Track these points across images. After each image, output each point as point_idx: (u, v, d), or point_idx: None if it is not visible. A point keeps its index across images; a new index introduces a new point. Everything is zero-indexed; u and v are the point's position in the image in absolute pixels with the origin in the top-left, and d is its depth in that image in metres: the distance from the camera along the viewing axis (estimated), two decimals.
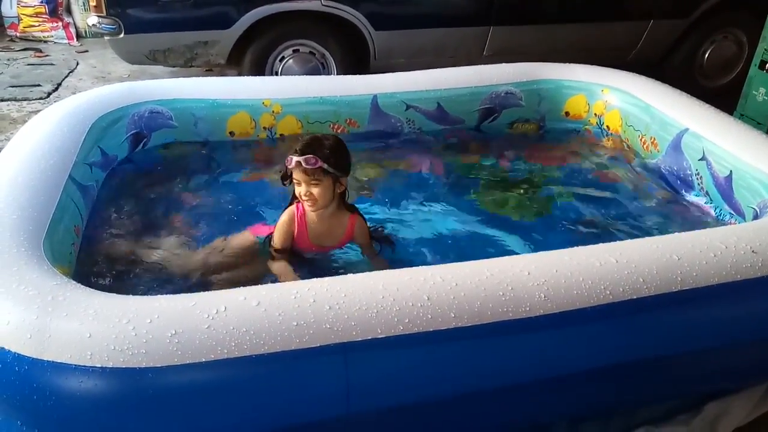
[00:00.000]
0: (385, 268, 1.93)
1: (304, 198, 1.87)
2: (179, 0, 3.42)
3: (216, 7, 3.52)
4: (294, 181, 1.88)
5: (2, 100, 4.08)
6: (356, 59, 3.87)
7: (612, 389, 1.59)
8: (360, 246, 2.05)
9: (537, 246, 2.16)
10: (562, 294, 1.46)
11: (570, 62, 3.27)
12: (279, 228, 1.98)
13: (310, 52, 3.79)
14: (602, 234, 2.30)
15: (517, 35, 4.02)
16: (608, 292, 1.48)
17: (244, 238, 2.07)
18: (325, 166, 1.83)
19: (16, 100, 4.10)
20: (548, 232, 2.35)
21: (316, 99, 2.81)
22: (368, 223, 2.08)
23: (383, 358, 1.36)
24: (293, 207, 1.98)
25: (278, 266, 1.93)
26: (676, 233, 1.79)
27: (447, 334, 1.37)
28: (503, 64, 3.18)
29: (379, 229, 2.15)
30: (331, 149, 1.86)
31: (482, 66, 3.21)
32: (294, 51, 3.77)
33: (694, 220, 2.41)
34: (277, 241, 1.98)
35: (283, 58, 3.77)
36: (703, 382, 1.77)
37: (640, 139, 2.86)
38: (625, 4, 4.18)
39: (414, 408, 1.40)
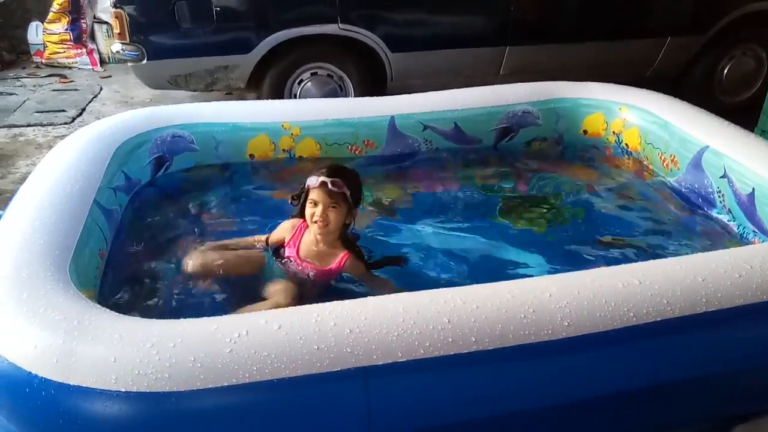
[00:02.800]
0: (390, 288, 1.93)
1: (316, 220, 1.89)
2: (200, 26, 3.50)
3: (236, 33, 3.59)
4: (309, 201, 1.91)
5: (28, 126, 4.18)
6: (373, 81, 3.91)
7: (637, 413, 1.56)
8: (356, 278, 2.03)
9: (557, 266, 2.14)
10: (585, 316, 1.45)
11: (587, 80, 3.28)
12: (278, 228, 2.10)
13: (328, 75, 3.85)
14: (623, 254, 2.27)
15: (533, 54, 4.03)
16: (632, 315, 1.46)
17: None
18: (348, 192, 1.87)
19: (41, 125, 4.20)
20: (568, 251, 2.33)
21: (334, 121, 2.84)
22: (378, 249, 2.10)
23: (404, 382, 1.35)
24: (297, 220, 2.05)
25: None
26: (700, 253, 1.78)
27: (468, 358, 1.36)
28: (519, 83, 3.20)
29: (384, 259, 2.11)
30: (353, 179, 1.95)
31: (498, 86, 3.23)
32: (312, 74, 3.82)
33: (717, 239, 2.38)
34: (272, 236, 2.10)
35: (301, 80, 3.83)
36: (730, 404, 1.72)
37: (660, 157, 2.84)
38: (641, 21, 4.18)
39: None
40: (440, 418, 1.39)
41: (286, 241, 2.05)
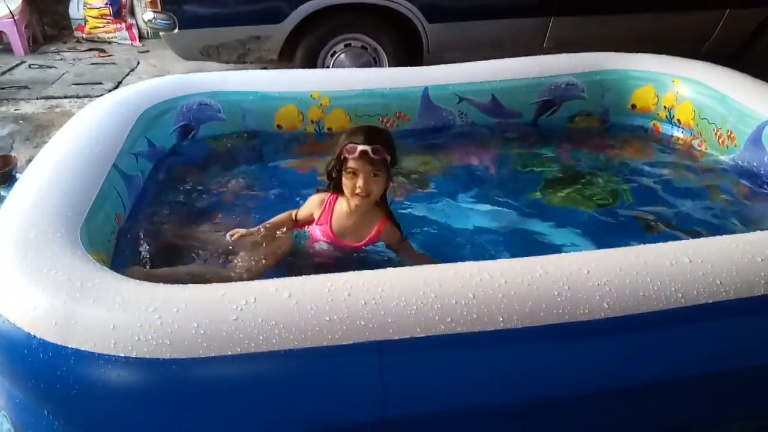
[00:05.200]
0: (428, 262, 1.80)
1: (357, 191, 1.74)
2: None
3: (268, 2, 3.50)
4: (347, 171, 1.74)
5: (65, 97, 4.21)
6: (409, 53, 3.77)
7: (682, 404, 1.41)
8: (393, 248, 1.90)
9: (599, 245, 1.98)
10: (627, 295, 1.31)
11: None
12: (307, 203, 1.97)
13: (362, 47, 3.72)
14: (673, 234, 2.10)
15: (579, 26, 3.81)
16: (680, 295, 1.31)
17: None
18: (389, 158, 1.73)
19: (78, 97, 4.22)
20: (612, 231, 2.18)
21: (364, 91, 2.72)
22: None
23: (422, 359, 1.25)
24: (325, 194, 1.90)
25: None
26: (759, 232, 1.59)
27: (493, 336, 1.24)
28: (564, 54, 3.00)
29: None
30: (390, 142, 1.78)
31: (541, 56, 3.05)
32: (346, 45, 3.71)
33: None
34: (299, 212, 1.98)
35: (334, 53, 3.72)
36: None
37: (715, 133, 2.63)
38: None
39: (455, 415, 1.29)
40: (461, 400, 1.29)
41: (316, 217, 1.90)
